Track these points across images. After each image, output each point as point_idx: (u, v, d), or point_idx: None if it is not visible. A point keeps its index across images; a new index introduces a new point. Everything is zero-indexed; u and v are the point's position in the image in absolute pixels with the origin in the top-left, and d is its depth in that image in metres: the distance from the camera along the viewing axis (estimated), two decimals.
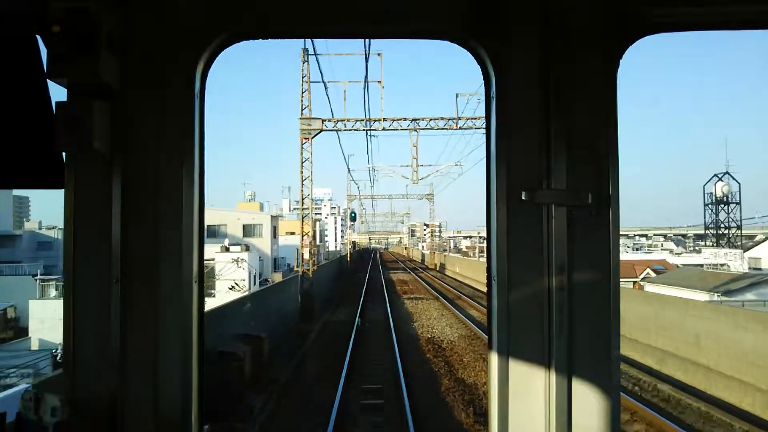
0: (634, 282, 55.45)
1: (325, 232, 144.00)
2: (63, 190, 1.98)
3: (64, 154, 1.97)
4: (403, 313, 30.56)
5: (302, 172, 34.03)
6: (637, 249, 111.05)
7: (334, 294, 40.72)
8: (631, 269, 60.30)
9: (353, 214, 69.72)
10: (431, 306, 33.72)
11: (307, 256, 33.68)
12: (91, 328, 1.95)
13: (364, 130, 33.70)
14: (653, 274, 58.81)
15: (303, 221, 34.92)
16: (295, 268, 37.37)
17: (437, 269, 74.84)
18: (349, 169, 74.53)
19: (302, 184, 34.07)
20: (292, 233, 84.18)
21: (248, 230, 62.36)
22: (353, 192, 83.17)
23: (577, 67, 1.94)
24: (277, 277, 54.45)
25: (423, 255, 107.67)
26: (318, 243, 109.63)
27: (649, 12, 1.98)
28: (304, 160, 33.72)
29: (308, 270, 33.39)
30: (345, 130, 33.64)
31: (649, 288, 43.02)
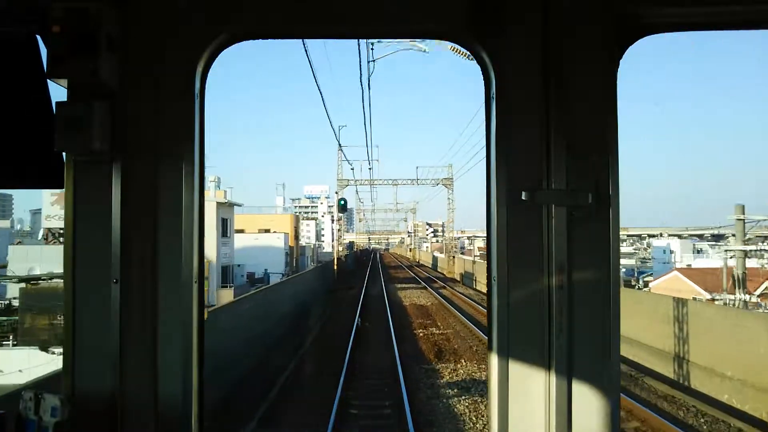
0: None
1: (322, 232, 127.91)
2: (63, 190, 1.98)
3: (64, 154, 1.97)
4: None
5: None
6: (698, 252, 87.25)
7: (279, 371, 18.03)
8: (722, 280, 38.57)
9: (343, 203, 48.33)
10: None
11: None
12: (91, 328, 1.96)
13: None
14: None
15: None
16: None
17: (461, 281, 52.79)
18: (340, 145, 53.43)
19: None
20: (267, 230, 62.33)
21: None
22: (347, 176, 61.61)
23: (577, 68, 1.95)
24: (226, 297, 30.79)
25: (434, 259, 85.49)
26: (304, 244, 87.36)
27: (649, 12, 1.99)
28: None
29: None
30: None
31: None
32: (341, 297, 38.87)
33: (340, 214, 52.80)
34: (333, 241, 60.68)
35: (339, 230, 61.35)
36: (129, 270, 1.96)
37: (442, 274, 66.27)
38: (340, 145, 55.06)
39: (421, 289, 45.22)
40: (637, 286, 64.91)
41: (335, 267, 50.14)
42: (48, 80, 1.91)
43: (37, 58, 1.98)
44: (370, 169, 58.38)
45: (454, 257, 64.63)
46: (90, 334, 1.94)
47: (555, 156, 1.92)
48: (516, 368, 1.93)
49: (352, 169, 59.00)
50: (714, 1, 1.97)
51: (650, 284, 59.19)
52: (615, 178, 1.93)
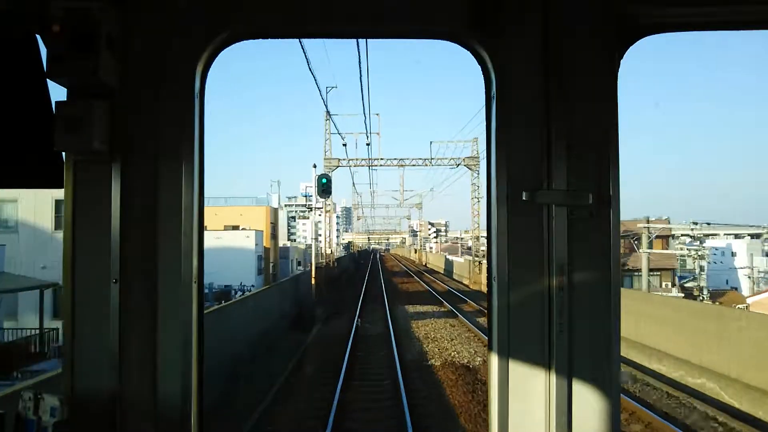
0: None
1: (319, 231, 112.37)
2: (63, 190, 2.00)
3: (63, 153, 1.99)
4: None
5: None
6: (766, 254, 70.57)
7: None
8: None
9: (325, 181, 32.26)
10: None
11: None
12: (91, 328, 1.96)
13: None
14: None
15: None
16: None
17: None
18: (328, 113, 37.58)
19: None
20: (236, 227, 45.47)
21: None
22: (338, 155, 45.51)
23: (578, 68, 1.96)
24: None
25: (449, 263, 69.17)
26: (293, 245, 70.99)
27: (649, 12, 2.00)
28: None
29: None
30: None
31: None
32: (314, 343, 22.62)
33: (323, 199, 36.77)
34: (322, 239, 44.99)
35: (323, 222, 44.74)
36: (128, 270, 1.97)
37: (465, 284, 50.06)
38: (328, 112, 39.23)
39: (449, 317, 28.92)
40: (700, 298, 45.89)
41: (313, 281, 32.19)
42: (48, 80, 1.92)
43: (37, 57, 1.99)
44: (368, 144, 42.45)
45: (481, 263, 48.44)
46: (89, 334, 1.95)
47: (555, 156, 1.93)
48: (516, 368, 1.95)
49: (345, 145, 41.11)
50: (714, 1, 1.98)
51: (749, 300, 41.94)
52: (616, 179, 1.95)
